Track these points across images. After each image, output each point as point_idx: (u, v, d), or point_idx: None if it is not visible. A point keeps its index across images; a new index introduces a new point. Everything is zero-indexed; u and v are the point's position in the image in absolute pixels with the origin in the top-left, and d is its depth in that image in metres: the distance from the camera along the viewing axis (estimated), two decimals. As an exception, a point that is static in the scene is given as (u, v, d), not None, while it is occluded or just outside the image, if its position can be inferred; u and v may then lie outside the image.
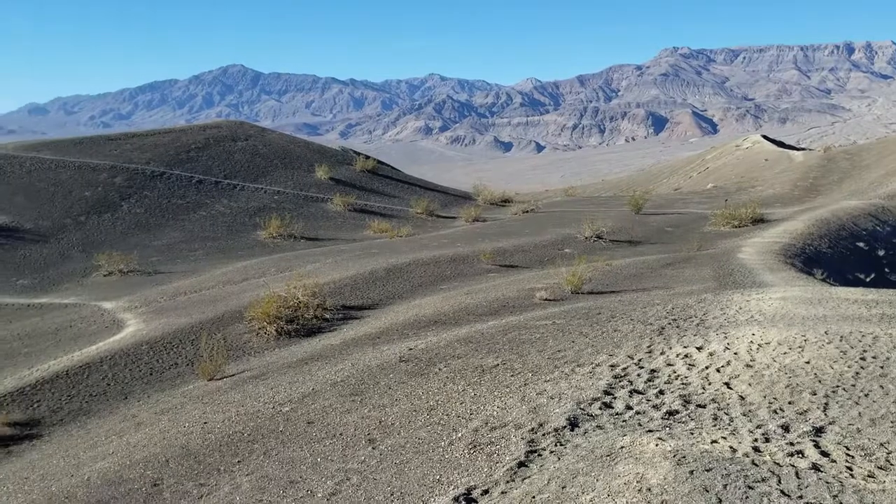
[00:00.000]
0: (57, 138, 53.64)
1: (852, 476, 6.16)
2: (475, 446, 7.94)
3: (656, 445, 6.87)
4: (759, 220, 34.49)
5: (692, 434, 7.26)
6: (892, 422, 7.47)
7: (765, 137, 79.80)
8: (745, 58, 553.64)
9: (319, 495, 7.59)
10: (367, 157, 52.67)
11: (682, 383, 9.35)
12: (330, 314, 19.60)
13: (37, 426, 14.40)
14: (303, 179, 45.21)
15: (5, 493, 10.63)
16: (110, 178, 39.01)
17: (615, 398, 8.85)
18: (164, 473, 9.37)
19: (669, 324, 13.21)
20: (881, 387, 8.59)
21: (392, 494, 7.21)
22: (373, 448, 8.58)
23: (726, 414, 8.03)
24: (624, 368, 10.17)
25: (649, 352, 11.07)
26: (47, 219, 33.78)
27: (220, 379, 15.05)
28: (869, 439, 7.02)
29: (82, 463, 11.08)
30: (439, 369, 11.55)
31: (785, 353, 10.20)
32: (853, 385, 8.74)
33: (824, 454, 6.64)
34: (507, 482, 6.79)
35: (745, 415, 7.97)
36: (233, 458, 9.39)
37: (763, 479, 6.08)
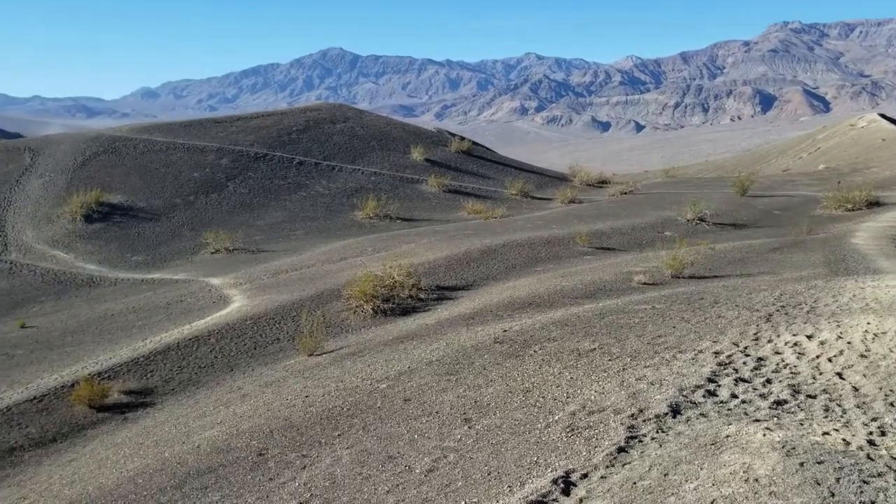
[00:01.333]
0: (167, 121, 56.19)
1: (981, 477, 5.76)
2: (573, 430, 7.87)
3: (764, 435, 6.61)
4: (874, 204, 32.57)
5: (802, 425, 6.95)
6: None
7: (882, 116, 75.06)
8: (861, 32, 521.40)
9: (417, 471, 7.70)
10: (463, 139, 52.78)
11: (791, 372, 8.96)
12: (424, 294, 19.81)
13: (150, 395, 15.23)
14: (399, 161, 45.74)
15: (123, 457, 11.31)
16: (217, 159, 40.58)
17: (719, 386, 8.56)
18: (268, 444, 9.74)
19: (777, 311, 12.67)
20: None
21: (489, 474, 7.23)
22: (469, 427, 8.64)
23: (838, 405, 7.64)
24: (728, 356, 9.83)
25: (756, 339, 10.66)
26: (159, 198, 35.50)
27: (319, 355, 15.49)
28: None
29: (192, 431, 11.65)
30: (534, 351, 11.50)
31: (904, 344, 9.60)
32: (982, 380, 8.15)
33: (949, 452, 6.23)
34: (607, 467, 6.69)
35: (858, 407, 7.56)
36: (333, 431, 9.65)
37: (879, 474, 5.76)
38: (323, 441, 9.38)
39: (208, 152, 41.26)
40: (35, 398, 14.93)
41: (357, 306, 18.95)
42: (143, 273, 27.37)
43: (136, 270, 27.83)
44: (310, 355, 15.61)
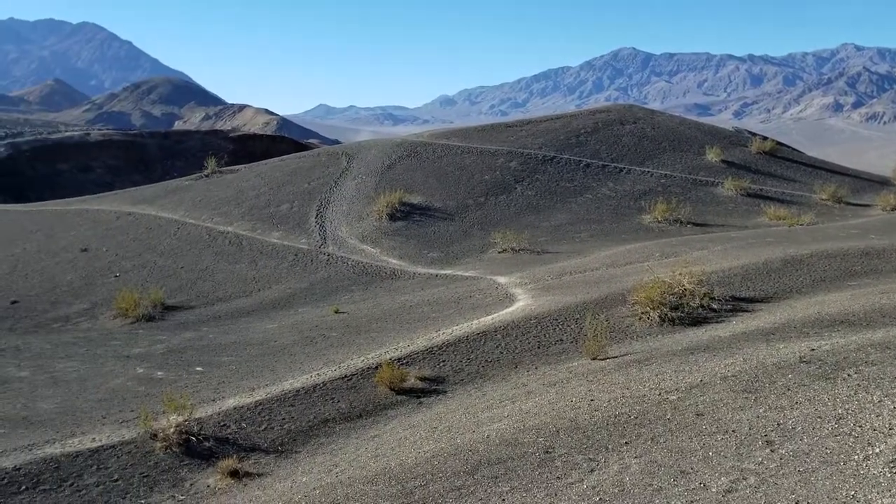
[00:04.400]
0: (462, 126, 59.59)
1: None
2: (900, 467, 6.88)
3: None
4: None
5: None
6: None
7: None
8: None
9: (713, 490, 7.26)
10: (765, 138, 49.04)
11: None
12: (717, 304, 18.72)
13: (442, 383, 16.20)
14: (691, 162, 43.80)
15: (419, 439, 12.15)
16: (506, 162, 42.08)
17: None
18: (555, 442, 9.82)
19: None
20: None
21: (797, 503, 6.59)
22: (771, 451, 7.95)
23: None
24: None
25: None
26: (453, 199, 37.67)
27: (602, 359, 15.33)
28: None
29: (481, 422, 12.16)
30: (848, 375, 10.28)
31: None
32: None
33: None
34: (946, 516, 5.76)
35: None
36: (620, 438, 9.47)
37: None
38: (610, 447, 9.24)
39: (499, 155, 42.93)
40: (345, 377, 16.63)
41: (643, 313, 18.44)
42: (437, 269, 29.20)
43: (431, 266, 29.79)
44: (593, 359, 15.52)
